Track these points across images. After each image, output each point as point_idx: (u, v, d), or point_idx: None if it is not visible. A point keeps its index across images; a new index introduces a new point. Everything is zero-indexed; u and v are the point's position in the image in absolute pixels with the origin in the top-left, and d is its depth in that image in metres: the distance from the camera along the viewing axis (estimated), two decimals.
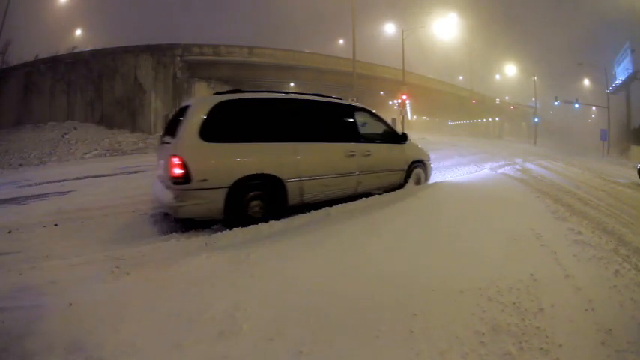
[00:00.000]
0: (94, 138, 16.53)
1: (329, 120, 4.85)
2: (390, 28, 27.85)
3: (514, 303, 2.38)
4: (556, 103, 34.21)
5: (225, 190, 3.74)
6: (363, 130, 5.11)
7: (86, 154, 13.86)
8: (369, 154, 4.95)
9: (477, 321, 2.17)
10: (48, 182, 7.73)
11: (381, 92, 30.69)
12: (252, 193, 3.93)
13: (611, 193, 6.91)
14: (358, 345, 1.94)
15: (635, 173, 10.46)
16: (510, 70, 46.23)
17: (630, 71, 28.06)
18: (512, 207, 5.01)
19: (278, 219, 3.99)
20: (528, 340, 2.03)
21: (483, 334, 2.05)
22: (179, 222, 4.14)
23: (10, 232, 4.04)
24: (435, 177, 7.24)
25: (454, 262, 2.98)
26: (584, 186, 7.53)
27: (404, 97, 22.51)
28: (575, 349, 1.98)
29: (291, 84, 29.97)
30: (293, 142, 4.26)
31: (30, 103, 19.63)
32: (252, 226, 3.82)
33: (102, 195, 6.08)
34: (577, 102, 33.71)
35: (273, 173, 4.04)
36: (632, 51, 27.93)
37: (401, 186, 5.48)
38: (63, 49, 21.30)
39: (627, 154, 23.53)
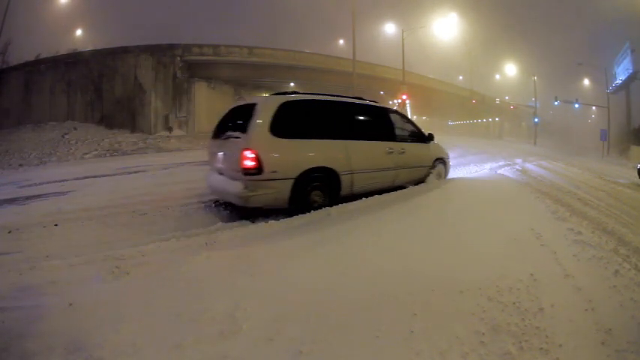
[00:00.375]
0: (94, 138, 16.54)
1: (371, 121, 5.42)
2: (390, 28, 27.85)
3: (514, 303, 2.38)
4: (556, 103, 34.18)
5: (292, 181, 4.13)
6: (397, 131, 5.66)
7: (86, 154, 13.87)
8: (403, 152, 5.54)
9: (477, 321, 2.17)
10: (48, 182, 7.73)
11: (381, 92, 30.67)
12: (313, 184, 4.35)
13: (611, 193, 6.91)
14: (358, 345, 1.94)
15: (635, 173, 10.46)
16: (510, 70, 46.23)
17: (630, 71, 28.04)
18: (512, 207, 5.02)
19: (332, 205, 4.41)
20: (528, 340, 2.03)
21: (483, 334, 2.05)
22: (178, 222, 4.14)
23: (10, 232, 4.04)
24: None
25: (454, 262, 2.98)
26: (584, 186, 7.53)
27: (404, 97, 22.52)
28: (575, 349, 1.98)
29: (291, 84, 29.97)
30: (344, 140, 4.74)
31: (30, 103, 19.64)
32: (251, 225, 3.94)
33: (102, 195, 6.08)
34: (577, 102, 33.70)
35: (331, 166, 4.49)
36: (632, 51, 27.91)
37: (422, 180, 6.04)
38: (63, 49, 21.36)
39: (627, 154, 23.53)
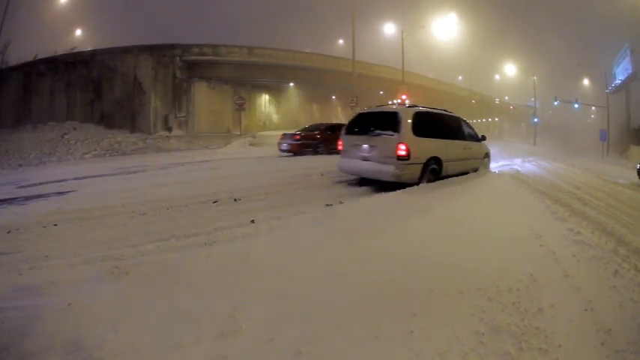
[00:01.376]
0: (94, 138, 16.53)
1: (456, 126, 7.57)
2: (389, 29, 27.80)
3: (514, 303, 2.38)
4: (556, 103, 34.20)
5: (422, 165, 6.24)
6: (466, 133, 7.76)
7: (86, 154, 13.87)
8: (470, 148, 7.75)
9: (477, 321, 2.17)
10: (47, 182, 7.72)
11: (381, 92, 30.69)
12: (430, 167, 6.40)
13: (610, 193, 6.92)
14: (358, 345, 1.94)
15: (635, 174, 10.46)
16: (510, 70, 46.19)
17: (630, 71, 28.03)
18: (511, 207, 5.02)
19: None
20: (528, 340, 2.02)
21: (483, 334, 2.05)
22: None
23: (9, 232, 4.03)
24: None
25: (453, 261, 2.98)
26: (584, 186, 7.54)
27: (403, 97, 22.51)
28: (574, 350, 1.98)
29: (291, 84, 29.95)
30: (444, 139, 6.87)
31: (29, 103, 19.62)
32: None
33: (101, 194, 6.07)
34: (577, 102, 33.72)
35: (439, 156, 6.56)
36: (632, 51, 27.88)
37: (476, 169, 7.95)
38: (62, 50, 21.31)
39: (627, 154, 23.54)
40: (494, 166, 10.75)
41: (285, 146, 12.49)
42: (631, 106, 29.96)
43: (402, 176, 5.99)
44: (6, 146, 13.93)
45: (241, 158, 12.29)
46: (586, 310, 2.36)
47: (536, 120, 34.84)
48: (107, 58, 20.54)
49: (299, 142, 12.26)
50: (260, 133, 24.41)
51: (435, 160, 6.49)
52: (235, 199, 5.52)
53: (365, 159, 6.45)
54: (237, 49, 23.14)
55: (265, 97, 31.53)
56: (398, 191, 5.59)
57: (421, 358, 1.85)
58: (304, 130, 13.41)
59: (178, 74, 21.74)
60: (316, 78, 26.01)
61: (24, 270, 2.86)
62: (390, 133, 6.13)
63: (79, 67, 20.29)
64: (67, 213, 4.82)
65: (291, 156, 12.07)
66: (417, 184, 6.09)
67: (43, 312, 2.18)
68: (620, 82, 30.23)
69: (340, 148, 7.02)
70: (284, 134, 13.25)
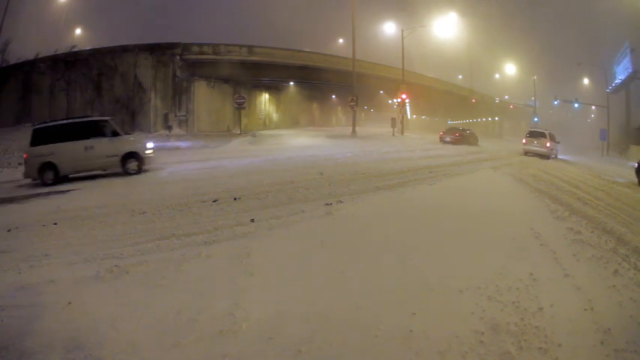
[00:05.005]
0: None
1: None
2: (390, 28, 27.71)
3: (513, 302, 2.38)
4: (556, 102, 34.13)
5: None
6: None
7: None
8: None
9: (477, 320, 2.17)
10: None
11: (381, 91, 30.64)
12: None
13: (610, 192, 6.91)
14: (357, 344, 1.94)
15: (633, 173, 10.44)
16: (510, 69, 46.04)
17: (630, 71, 27.96)
18: (511, 206, 5.02)
19: None
20: (528, 339, 2.02)
21: (483, 333, 2.05)
22: None
23: (9, 230, 4.03)
24: (440, 178, 7.25)
25: (453, 261, 2.99)
26: (584, 185, 7.53)
27: (403, 96, 22.48)
28: (574, 349, 1.98)
29: (291, 83, 29.89)
30: None
31: (29, 102, 19.59)
32: None
33: (101, 194, 6.07)
34: (576, 101, 33.66)
35: None
36: (632, 50, 27.82)
37: None
38: (62, 48, 21.26)
39: (627, 153, 23.51)
40: (494, 165, 10.74)
41: (448, 139, 19.73)
42: (631, 106, 29.92)
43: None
44: (6, 145, 13.89)
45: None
46: (586, 309, 2.36)
47: (536, 119, 34.78)
48: (107, 57, 20.49)
49: (457, 137, 19.86)
50: (260, 132, 24.38)
51: None
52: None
53: (538, 147, 14.66)
54: (237, 47, 23.07)
55: (265, 96, 31.47)
56: None
57: (421, 358, 1.85)
58: (451, 130, 21.30)
59: (178, 73, 21.68)
60: (316, 77, 25.93)
61: (24, 269, 2.88)
62: (542, 136, 13.91)
63: (79, 65, 20.24)
64: (67, 212, 4.82)
65: (451, 145, 18.66)
66: None
67: (43, 310, 2.19)
68: (620, 81, 30.15)
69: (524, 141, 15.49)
70: (444, 131, 20.78)
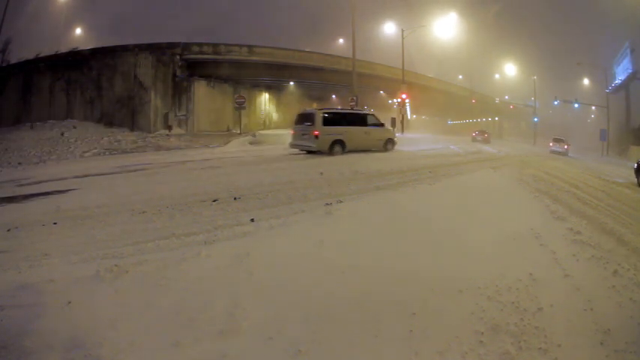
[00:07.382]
0: (94, 136, 16.48)
1: None
2: (390, 28, 27.72)
3: (513, 303, 2.38)
4: (555, 102, 34.17)
5: None
6: None
7: (85, 152, 13.82)
8: None
9: (476, 320, 2.17)
10: (47, 181, 7.71)
11: (381, 91, 30.65)
12: None
13: (610, 192, 6.92)
14: (357, 344, 1.94)
15: (632, 173, 10.45)
16: (510, 69, 46.05)
17: (630, 71, 27.99)
18: (511, 206, 5.02)
19: None
20: (527, 339, 2.03)
21: (482, 333, 2.05)
22: None
23: (9, 230, 4.03)
24: (441, 178, 7.23)
25: (453, 261, 2.99)
26: (584, 186, 7.54)
27: (403, 96, 22.49)
28: (574, 349, 1.98)
29: (291, 83, 29.90)
30: None
31: (29, 102, 19.61)
32: None
33: (101, 193, 6.07)
34: (576, 102, 33.70)
35: None
36: (632, 51, 27.85)
37: None
38: (63, 48, 21.27)
39: (626, 153, 23.54)
40: (494, 165, 10.75)
41: (480, 138, 25.13)
42: (631, 106, 29.94)
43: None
44: (6, 144, 13.90)
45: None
46: (585, 309, 2.36)
47: (536, 119, 34.80)
48: (107, 56, 20.50)
49: (485, 136, 25.93)
50: (260, 131, 24.38)
51: None
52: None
53: (558, 147, 21.09)
54: (237, 47, 23.08)
55: (265, 96, 31.48)
56: None
57: (420, 358, 1.85)
58: (481, 132, 27.01)
59: (178, 73, 21.69)
60: (316, 77, 25.94)
61: (24, 268, 2.87)
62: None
63: (79, 65, 20.25)
64: (67, 211, 4.81)
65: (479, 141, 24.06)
66: None
67: (43, 310, 2.18)
68: (620, 81, 30.18)
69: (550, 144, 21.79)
70: (476, 132, 26.71)
